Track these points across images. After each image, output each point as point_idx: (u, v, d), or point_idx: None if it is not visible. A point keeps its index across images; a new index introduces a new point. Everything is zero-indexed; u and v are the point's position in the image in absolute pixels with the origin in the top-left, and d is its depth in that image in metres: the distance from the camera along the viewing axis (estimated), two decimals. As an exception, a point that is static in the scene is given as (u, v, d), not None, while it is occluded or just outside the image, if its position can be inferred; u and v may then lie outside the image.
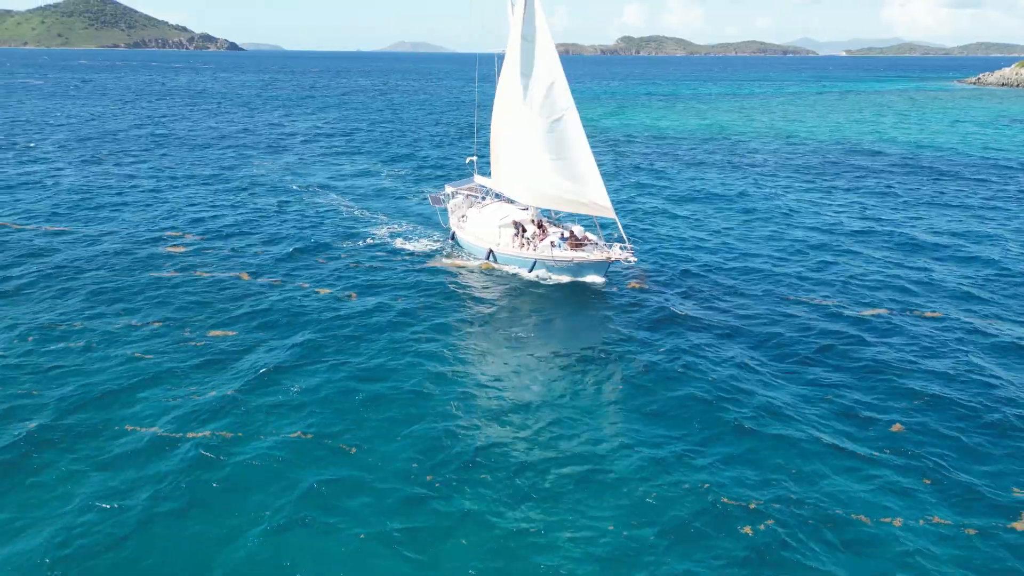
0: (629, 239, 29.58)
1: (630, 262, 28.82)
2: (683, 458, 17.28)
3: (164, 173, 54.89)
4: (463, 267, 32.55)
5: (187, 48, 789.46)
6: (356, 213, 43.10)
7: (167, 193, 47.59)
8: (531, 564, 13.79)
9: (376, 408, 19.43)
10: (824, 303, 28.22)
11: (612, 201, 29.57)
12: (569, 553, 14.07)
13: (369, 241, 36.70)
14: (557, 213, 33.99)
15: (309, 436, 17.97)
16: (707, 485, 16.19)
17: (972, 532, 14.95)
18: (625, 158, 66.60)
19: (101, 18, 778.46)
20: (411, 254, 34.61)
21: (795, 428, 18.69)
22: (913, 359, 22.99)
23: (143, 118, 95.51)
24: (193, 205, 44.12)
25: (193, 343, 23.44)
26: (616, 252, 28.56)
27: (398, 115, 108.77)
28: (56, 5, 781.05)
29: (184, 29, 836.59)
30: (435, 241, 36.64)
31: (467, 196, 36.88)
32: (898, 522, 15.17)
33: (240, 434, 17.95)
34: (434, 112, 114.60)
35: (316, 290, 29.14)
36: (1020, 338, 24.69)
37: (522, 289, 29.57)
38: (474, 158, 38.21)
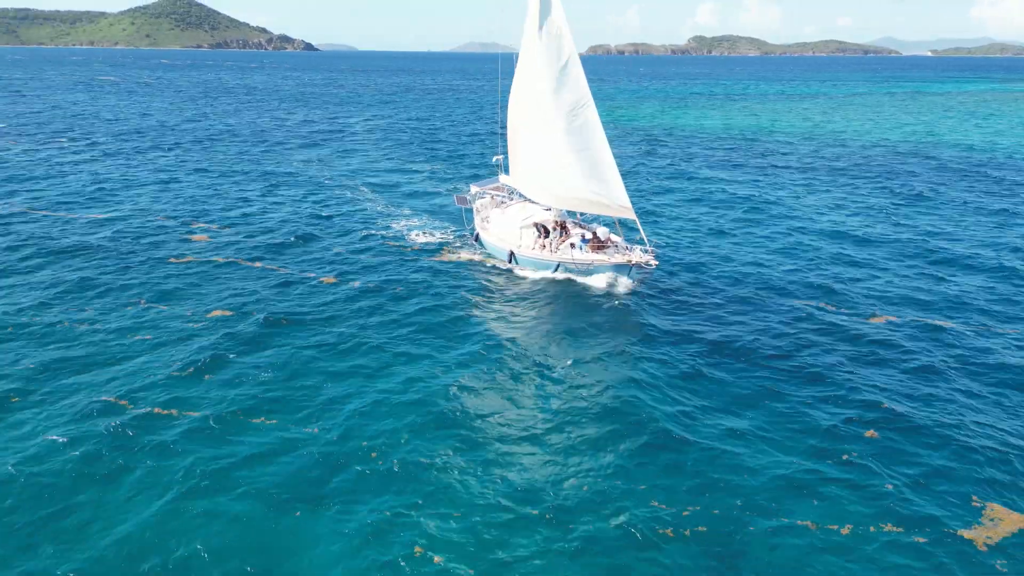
0: (651, 241, 28.57)
1: (651, 265, 27.47)
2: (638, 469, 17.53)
3: (199, 165, 57.63)
4: (472, 263, 33.08)
5: (266, 48, 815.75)
6: (380, 208, 44.35)
7: (202, 184, 50.00)
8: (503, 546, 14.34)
9: (328, 387, 20.41)
10: (846, 314, 27.70)
11: (636, 201, 28.63)
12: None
13: (385, 233, 37.82)
14: (582, 214, 33.15)
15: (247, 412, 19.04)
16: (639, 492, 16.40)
17: (921, 540, 14.76)
18: (658, 157, 66.09)
19: (187, 19, 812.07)
20: (421, 249, 35.44)
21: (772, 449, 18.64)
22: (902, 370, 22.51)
23: (197, 114, 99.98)
24: (224, 197, 46.26)
25: (191, 323, 24.93)
26: (637, 255, 27.53)
27: (447, 112, 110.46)
28: (145, 7, 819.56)
29: (264, 30, 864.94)
30: (448, 236, 37.39)
31: (493, 197, 36.56)
32: (846, 530, 15.08)
33: (182, 408, 19.17)
34: (483, 109, 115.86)
35: (321, 279, 30.35)
36: None
37: (526, 290, 29.44)
38: (500, 157, 37.90)
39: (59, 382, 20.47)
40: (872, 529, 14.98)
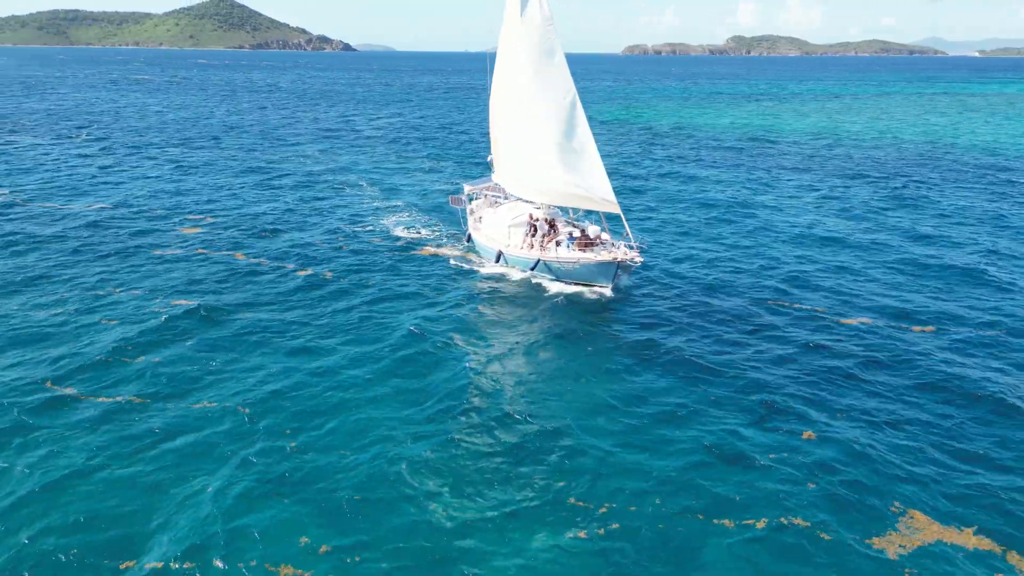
0: (637, 238, 27.72)
1: (636, 263, 26.73)
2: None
3: (203, 160, 58.73)
4: (449, 259, 33.20)
5: (305, 49, 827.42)
6: (374, 204, 44.71)
7: (201, 179, 50.94)
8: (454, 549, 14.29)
9: (250, 368, 20.64)
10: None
11: (625, 197, 28.02)
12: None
13: (371, 229, 38.14)
14: (576, 212, 32.48)
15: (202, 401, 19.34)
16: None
17: (827, 538, 14.46)
18: (660, 148, 65.40)
19: (229, 20, 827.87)
20: (406, 245, 35.66)
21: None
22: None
23: (211, 111, 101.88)
24: (220, 190, 47.13)
25: (150, 310, 25.44)
26: (621, 253, 26.67)
27: (465, 111, 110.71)
28: (189, 8, 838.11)
29: (303, 31, 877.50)
30: (433, 233, 37.49)
31: (486, 196, 35.72)
32: (761, 523, 14.83)
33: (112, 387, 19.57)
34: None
35: (297, 271, 30.70)
36: None
37: (490, 286, 29.40)
38: (492, 156, 37.84)
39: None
40: (777, 527, 14.64)
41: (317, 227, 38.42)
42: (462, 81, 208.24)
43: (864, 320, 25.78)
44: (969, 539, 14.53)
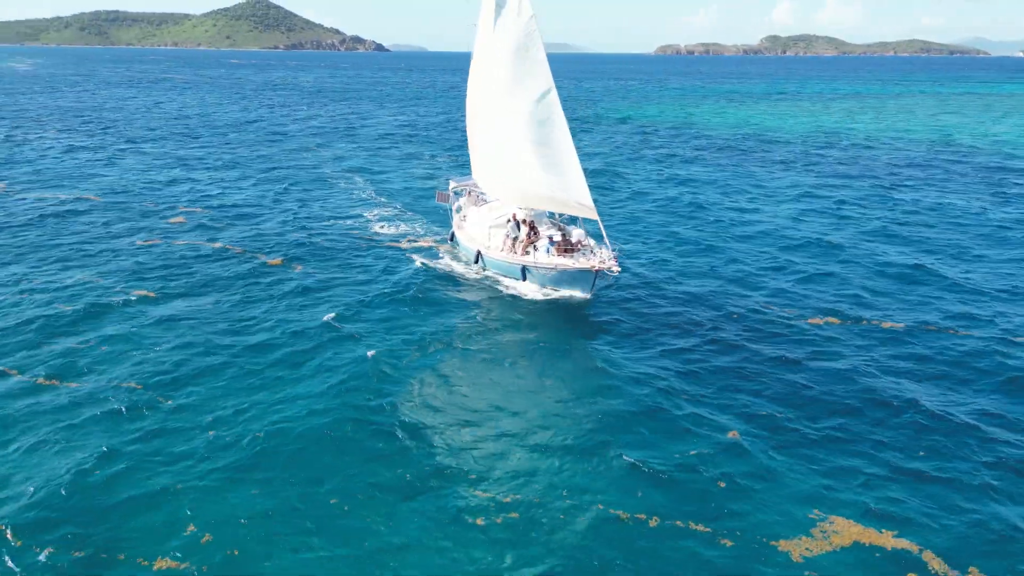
0: (615, 246, 26.34)
1: (613, 272, 25.10)
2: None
3: (205, 154, 59.64)
4: (425, 253, 33.25)
5: (338, 49, 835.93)
6: (363, 196, 45.03)
7: (199, 174, 51.72)
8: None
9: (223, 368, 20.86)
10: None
11: (604, 202, 27.09)
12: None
13: (352, 223, 38.39)
14: (562, 215, 30.31)
15: (140, 386, 19.59)
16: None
17: (728, 543, 14.16)
18: (650, 148, 64.70)
19: (265, 21, 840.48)
20: (387, 239, 35.77)
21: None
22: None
23: (227, 108, 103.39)
24: (214, 183, 47.86)
25: (108, 298, 25.88)
26: (598, 260, 25.26)
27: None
28: (226, 9, 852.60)
29: (337, 32, 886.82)
30: (415, 228, 37.53)
31: (470, 192, 34.71)
32: (654, 521, 14.60)
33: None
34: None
35: (268, 261, 30.98)
36: None
37: (458, 285, 29.05)
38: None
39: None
40: (680, 525, 14.33)
41: (297, 218, 38.81)
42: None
43: (824, 320, 25.21)
44: (888, 540, 14.06)
